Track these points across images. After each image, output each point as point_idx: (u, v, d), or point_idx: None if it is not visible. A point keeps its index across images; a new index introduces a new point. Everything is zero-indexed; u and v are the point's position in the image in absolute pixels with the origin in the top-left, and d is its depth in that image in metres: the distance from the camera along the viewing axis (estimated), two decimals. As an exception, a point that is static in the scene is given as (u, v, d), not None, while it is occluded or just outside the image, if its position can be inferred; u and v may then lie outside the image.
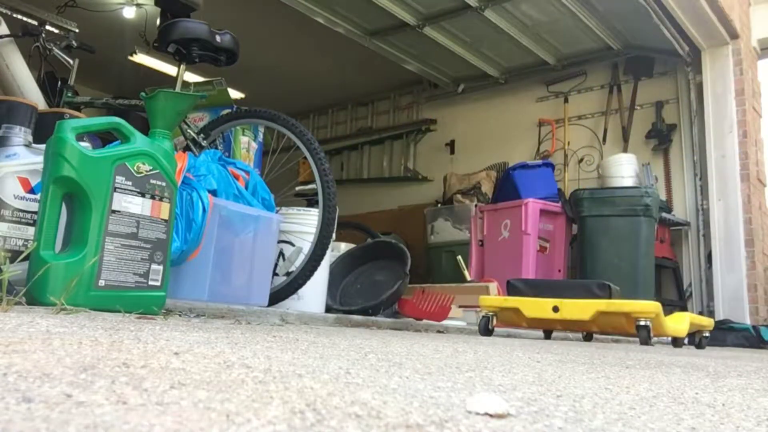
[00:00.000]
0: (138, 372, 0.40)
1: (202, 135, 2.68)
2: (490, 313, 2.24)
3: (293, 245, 2.71)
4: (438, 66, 5.47)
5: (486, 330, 2.22)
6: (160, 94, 1.29)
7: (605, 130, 5.05)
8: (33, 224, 1.31)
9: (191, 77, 4.46)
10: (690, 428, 0.40)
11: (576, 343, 2.38)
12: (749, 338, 3.61)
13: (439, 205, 5.27)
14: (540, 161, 4.96)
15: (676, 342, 2.55)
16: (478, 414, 0.37)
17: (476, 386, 0.49)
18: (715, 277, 4.38)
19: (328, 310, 3.01)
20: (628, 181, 4.43)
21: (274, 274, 2.42)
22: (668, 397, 0.53)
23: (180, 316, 1.36)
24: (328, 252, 2.63)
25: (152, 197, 1.25)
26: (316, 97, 6.57)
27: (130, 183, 1.20)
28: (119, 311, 1.12)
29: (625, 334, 2.41)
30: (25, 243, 1.30)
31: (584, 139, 5.17)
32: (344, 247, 3.60)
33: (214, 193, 1.96)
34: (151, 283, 1.23)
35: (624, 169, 4.49)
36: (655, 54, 4.78)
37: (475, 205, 4.70)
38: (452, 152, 5.83)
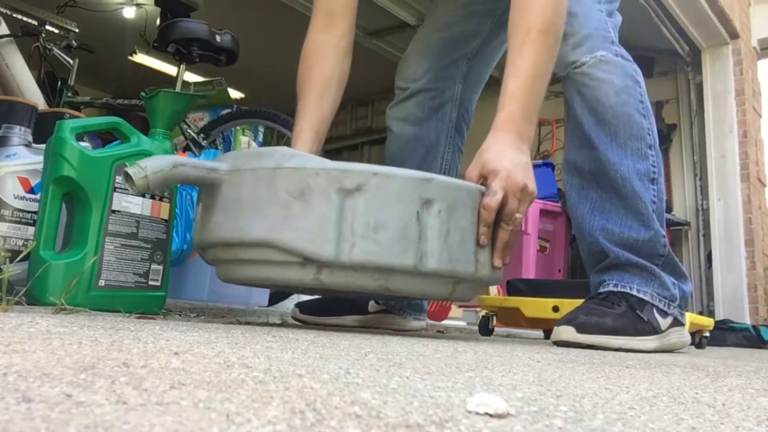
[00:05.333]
0: (138, 372, 0.40)
1: (202, 135, 2.68)
2: (490, 313, 2.24)
3: (293, 245, 2.70)
4: (438, 66, 5.46)
5: (486, 330, 2.22)
6: (160, 94, 1.29)
7: (605, 130, 5.04)
8: (33, 224, 1.31)
9: (191, 77, 4.46)
10: (690, 428, 0.40)
11: (576, 343, 2.38)
12: (749, 338, 3.61)
13: (439, 205, 5.26)
14: (540, 161, 4.95)
15: (676, 342, 2.54)
16: (478, 414, 0.37)
17: (476, 386, 0.49)
18: (715, 277, 4.38)
19: (328, 310, 3.00)
20: (628, 181, 4.42)
21: (274, 274, 2.41)
22: (668, 397, 0.53)
23: (180, 315, 1.36)
24: (328, 252, 2.62)
25: (152, 197, 1.25)
26: (316, 97, 6.55)
27: (130, 183, 1.20)
28: (119, 311, 1.13)
29: (625, 334, 2.40)
30: (25, 243, 1.30)
31: (584, 139, 5.17)
32: (344, 247, 3.59)
33: (214, 193, 1.96)
34: (151, 283, 1.23)
35: (624, 169, 4.49)
36: (655, 54, 4.78)
37: (475, 205, 4.70)
38: (452, 152, 5.82)
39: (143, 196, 1.22)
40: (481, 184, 1.12)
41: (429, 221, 1.01)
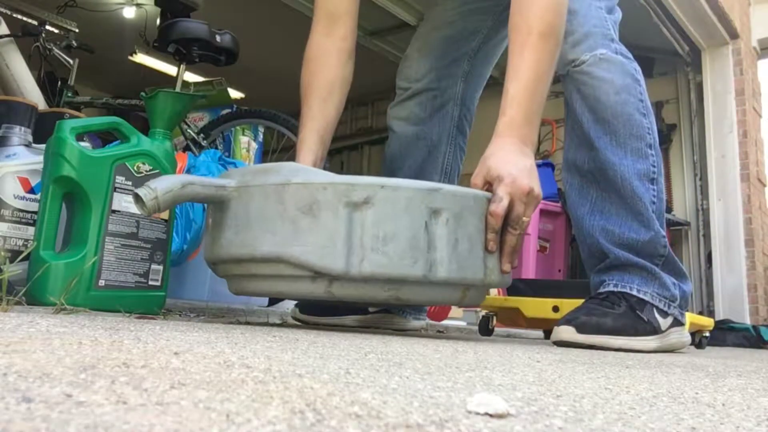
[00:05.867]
0: (138, 372, 0.40)
1: (202, 135, 2.68)
2: (490, 313, 2.24)
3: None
4: (438, 66, 5.46)
5: (486, 330, 2.22)
6: (160, 94, 1.29)
7: (605, 130, 5.04)
8: (33, 224, 1.31)
9: (191, 77, 4.46)
10: (690, 428, 0.40)
11: (576, 343, 2.37)
12: (749, 338, 3.61)
13: (439, 205, 5.25)
14: (540, 161, 4.95)
15: (676, 342, 2.54)
16: (478, 414, 0.37)
17: (476, 386, 0.49)
18: (715, 277, 4.38)
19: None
20: (628, 181, 4.41)
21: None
22: (668, 397, 0.53)
23: (180, 315, 1.36)
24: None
25: (152, 197, 1.24)
26: (316, 97, 6.54)
27: (130, 183, 1.21)
28: (119, 311, 1.13)
29: (625, 334, 2.40)
30: (25, 243, 1.30)
31: (584, 139, 5.16)
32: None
33: (214, 193, 1.95)
34: (151, 283, 1.23)
35: (624, 169, 4.48)
36: (655, 54, 4.78)
37: (475, 205, 4.69)
38: (452, 152, 5.82)
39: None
40: (486, 190, 1.12)
41: (437, 231, 1.02)
